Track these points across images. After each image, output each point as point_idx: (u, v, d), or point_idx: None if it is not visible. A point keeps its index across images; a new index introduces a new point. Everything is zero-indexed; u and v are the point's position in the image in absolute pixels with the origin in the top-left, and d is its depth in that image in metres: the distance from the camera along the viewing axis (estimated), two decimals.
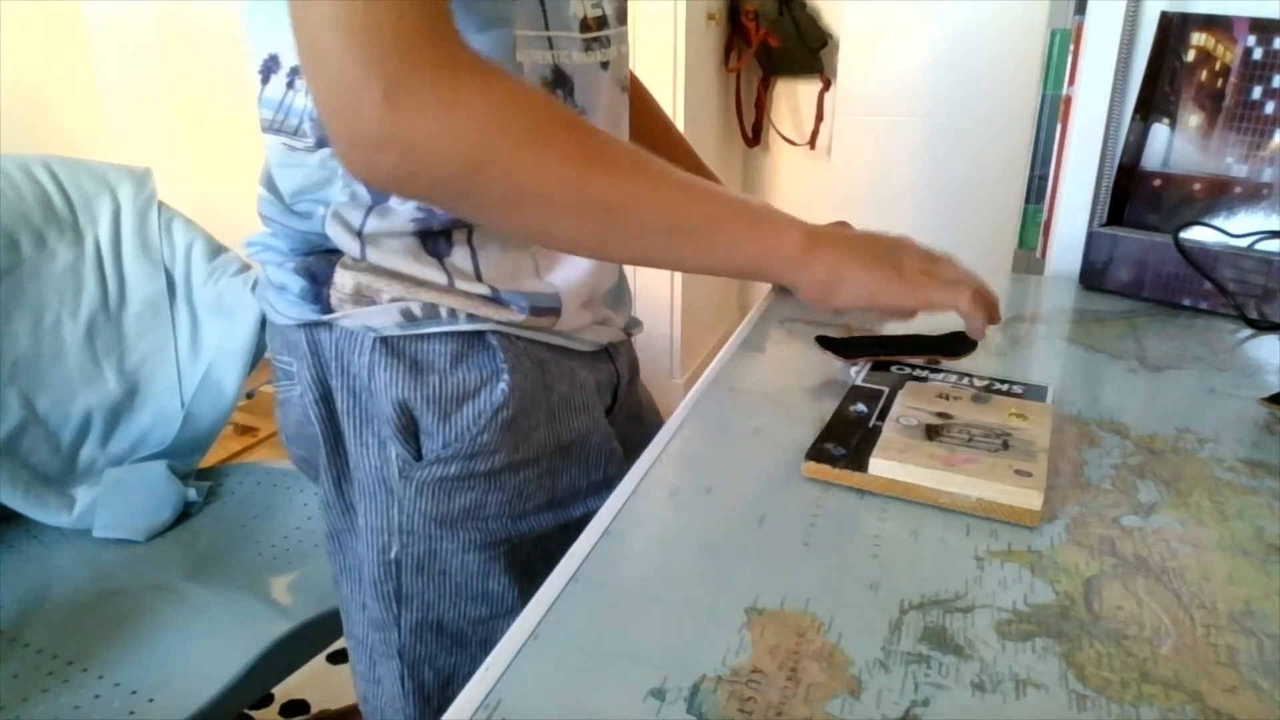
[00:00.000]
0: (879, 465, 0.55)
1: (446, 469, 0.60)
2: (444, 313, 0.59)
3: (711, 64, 2.50)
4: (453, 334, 0.59)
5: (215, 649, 0.93)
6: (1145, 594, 0.46)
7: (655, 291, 2.42)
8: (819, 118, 2.61)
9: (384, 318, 0.59)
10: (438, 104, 0.45)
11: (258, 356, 1.25)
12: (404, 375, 0.59)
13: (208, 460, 1.30)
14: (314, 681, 1.50)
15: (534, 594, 0.59)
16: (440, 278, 0.59)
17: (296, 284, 0.61)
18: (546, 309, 0.62)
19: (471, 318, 0.59)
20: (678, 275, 2.42)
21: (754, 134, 2.70)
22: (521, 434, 0.61)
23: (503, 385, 0.60)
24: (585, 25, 0.61)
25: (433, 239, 0.59)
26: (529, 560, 0.65)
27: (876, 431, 0.59)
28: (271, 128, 0.60)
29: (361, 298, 0.59)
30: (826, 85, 2.55)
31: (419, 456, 0.61)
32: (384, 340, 0.59)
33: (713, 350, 2.70)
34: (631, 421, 0.79)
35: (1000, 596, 0.46)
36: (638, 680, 0.40)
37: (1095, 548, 0.50)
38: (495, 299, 0.60)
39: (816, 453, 0.57)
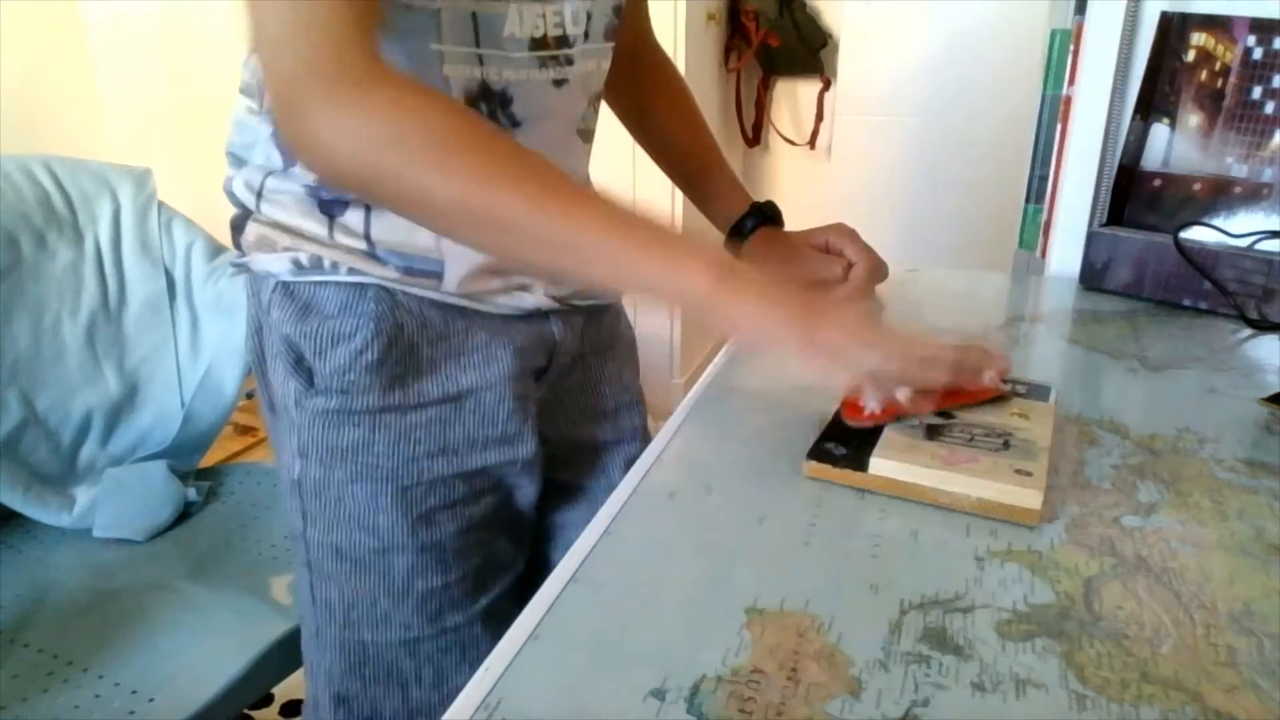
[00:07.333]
0: (879, 465, 0.55)
1: (328, 402, 0.66)
2: (327, 264, 0.65)
3: (711, 64, 2.50)
4: (344, 284, 0.65)
5: (215, 649, 0.93)
6: (1145, 594, 0.46)
7: None
8: (819, 118, 2.61)
9: (279, 265, 0.65)
10: (348, 115, 0.52)
11: None
12: (293, 315, 0.65)
13: (208, 460, 1.30)
14: None
15: (427, 535, 0.68)
16: (322, 231, 0.64)
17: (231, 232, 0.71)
18: (424, 271, 0.65)
19: (352, 271, 0.65)
20: None
21: (754, 134, 2.71)
22: (391, 379, 0.66)
23: (364, 333, 0.64)
24: (542, 44, 0.63)
25: (328, 200, 0.65)
26: (426, 503, 0.68)
27: (877, 431, 0.59)
28: (245, 90, 0.68)
29: (263, 244, 0.67)
30: (826, 85, 2.55)
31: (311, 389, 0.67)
32: (284, 284, 0.66)
33: (713, 350, 2.70)
34: (585, 391, 0.80)
35: (1000, 596, 0.46)
36: (638, 680, 0.40)
37: (1095, 548, 0.50)
38: (371, 255, 0.64)
39: (818, 452, 0.57)
